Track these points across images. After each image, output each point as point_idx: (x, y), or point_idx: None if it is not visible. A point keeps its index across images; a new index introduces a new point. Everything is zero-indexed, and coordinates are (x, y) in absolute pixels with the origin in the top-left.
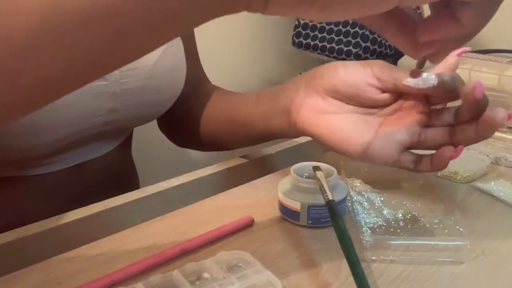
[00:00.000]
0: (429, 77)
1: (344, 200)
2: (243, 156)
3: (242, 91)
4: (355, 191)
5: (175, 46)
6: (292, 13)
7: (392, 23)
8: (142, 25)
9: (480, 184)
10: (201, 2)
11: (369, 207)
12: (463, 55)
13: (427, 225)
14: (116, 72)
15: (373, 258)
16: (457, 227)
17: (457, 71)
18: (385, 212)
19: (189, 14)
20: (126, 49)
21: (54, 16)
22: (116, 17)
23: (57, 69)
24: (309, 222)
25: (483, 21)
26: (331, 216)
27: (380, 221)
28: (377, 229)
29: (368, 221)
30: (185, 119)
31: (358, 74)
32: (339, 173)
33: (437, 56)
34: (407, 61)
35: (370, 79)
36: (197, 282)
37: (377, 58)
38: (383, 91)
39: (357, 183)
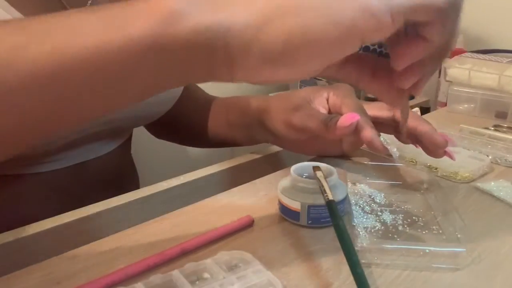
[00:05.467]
0: (394, 153)
1: (344, 200)
2: (242, 157)
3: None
4: (355, 192)
5: None
6: (261, 77)
7: (366, 73)
8: (89, 91)
9: (480, 184)
10: (153, 71)
11: (369, 210)
12: (463, 55)
13: (426, 230)
14: None
15: (364, 261)
16: (456, 233)
17: (457, 71)
18: (384, 215)
19: (141, 79)
20: (74, 112)
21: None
22: (61, 85)
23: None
24: (309, 222)
25: (448, 34)
26: (331, 216)
27: (378, 224)
28: (374, 233)
29: (366, 225)
30: (188, 118)
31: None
32: (339, 174)
33: (418, 86)
34: None
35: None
36: (197, 282)
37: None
38: None
39: (358, 185)
